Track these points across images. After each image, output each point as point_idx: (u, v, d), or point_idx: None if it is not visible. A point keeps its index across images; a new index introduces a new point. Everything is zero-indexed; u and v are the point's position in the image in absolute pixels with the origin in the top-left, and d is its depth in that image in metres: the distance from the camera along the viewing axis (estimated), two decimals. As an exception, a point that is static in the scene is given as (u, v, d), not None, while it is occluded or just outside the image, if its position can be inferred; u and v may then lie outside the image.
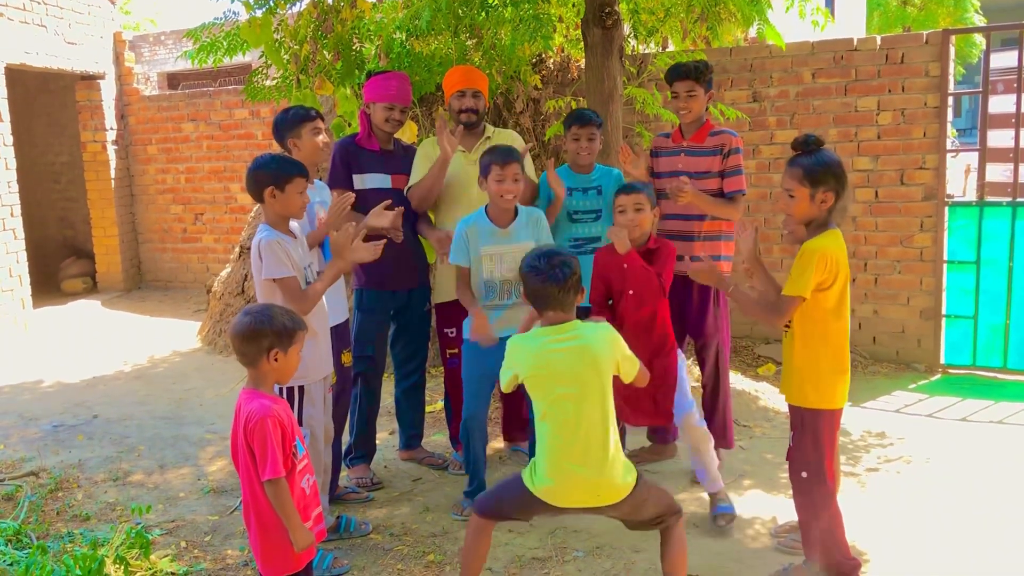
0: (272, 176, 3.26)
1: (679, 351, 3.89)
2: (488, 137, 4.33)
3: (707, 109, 4.29)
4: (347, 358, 3.92)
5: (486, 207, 3.88)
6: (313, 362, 3.34)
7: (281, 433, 2.56)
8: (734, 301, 3.27)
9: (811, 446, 3.12)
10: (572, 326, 2.85)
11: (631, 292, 3.73)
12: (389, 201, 3.88)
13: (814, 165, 3.04)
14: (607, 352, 2.84)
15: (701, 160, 4.17)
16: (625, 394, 3.53)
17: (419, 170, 4.24)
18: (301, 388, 3.31)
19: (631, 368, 2.93)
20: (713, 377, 4.26)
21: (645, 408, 3.71)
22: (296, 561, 2.64)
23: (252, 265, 3.38)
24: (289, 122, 3.79)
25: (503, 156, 3.76)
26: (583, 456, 2.78)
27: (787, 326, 3.16)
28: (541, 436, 2.85)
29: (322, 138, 3.83)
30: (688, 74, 4.12)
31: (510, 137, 4.40)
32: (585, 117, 4.22)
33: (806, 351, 3.09)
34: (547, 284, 2.81)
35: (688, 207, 4.10)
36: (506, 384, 2.92)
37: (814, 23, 5.76)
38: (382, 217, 3.79)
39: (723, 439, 4.31)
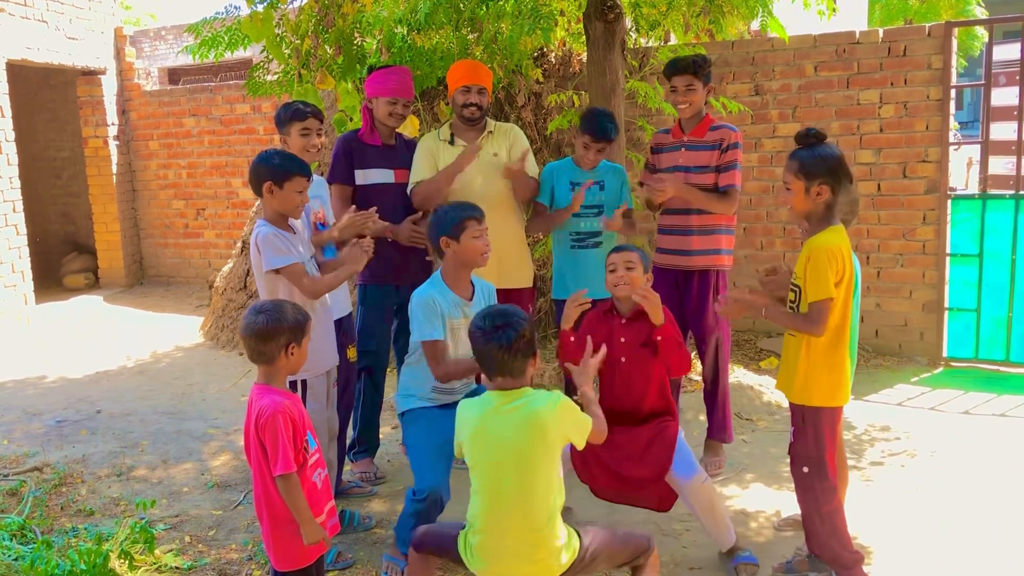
0: (271, 172, 3.26)
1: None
2: (490, 131, 4.32)
3: (706, 103, 4.27)
4: (352, 353, 3.92)
5: (440, 276, 3.42)
6: (315, 355, 3.34)
7: (292, 428, 2.59)
8: (772, 320, 3.15)
9: (812, 441, 3.11)
10: (521, 393, 2.62)
11: (623, 360, 3.36)
12: (374, 210, 3.72)
13: (809, 158, 3.01)
14: (555, 424, 2.60)
15: (701, 154, 4.17)
16: (617, 483, 3.30)
17: (419, 165, 4.23)
18: (304, 382, 3.32)
19: (581, 435, 2.68)
20: (713, 371, 4.27)
21: (640, 490, 3.32)
22: (307, 554, 2.66)
23: (252, 261, 3.38)
24: (283, 118, 3.84)
25: (478, 210, 3.43)
26: (516, 540, 2.58)
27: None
28: (475, 508, 2.64)
29: (313, 140, 3.82)
30: (686, 68, 4.11)
31: (511, 131, 4.39)
32: (606, 134, 4.10)
33: (811, 349, 3.07)
34: (491, 346, 2.60)
35: (686, 201, 4.10)
36: (456, 449, 2.73)
37: (819, 12, 5.75)
38: (359, 260, 3.47)
39: (722, 432, 4.32)
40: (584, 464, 3.27)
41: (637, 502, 3.35)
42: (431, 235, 3.43)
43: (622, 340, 3.36)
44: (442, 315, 3.31)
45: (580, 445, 2.71)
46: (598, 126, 4.11)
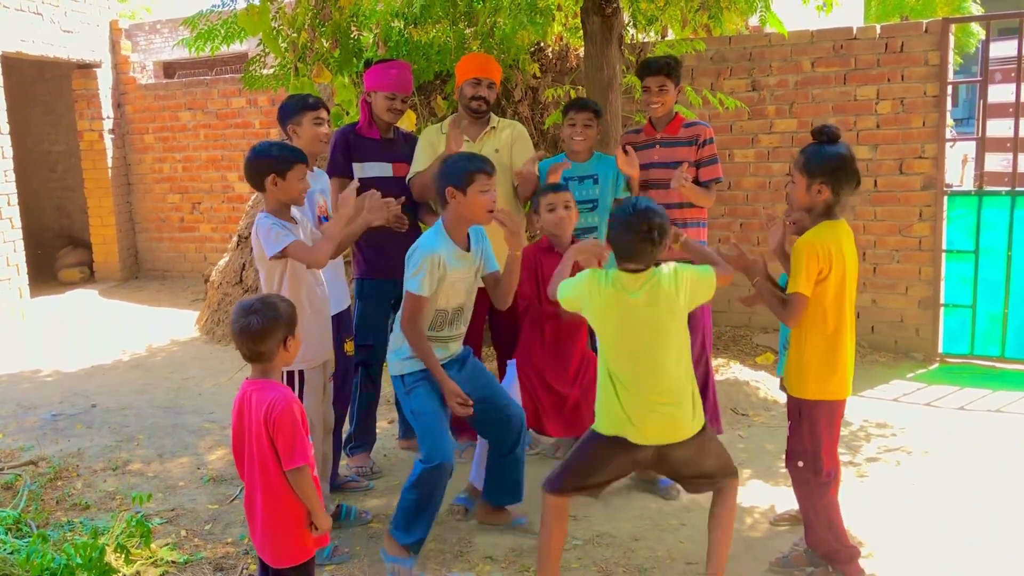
0: (273, 163, 3.25)
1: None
2: (493, 127, 4.32)
3: (676, 102, 4.36)
4: (349, 347, 3.92)
5: (442, 226, 3.34)
6: (312, 345, 3.35)
7: (302, 421, 2.59)
8: (758, 291, 3.19)
9: (808, 436, 3.12)
10: (649, 273, 2.86)
11: None
12: (378, 193, 3.60)
13: (815, 156, 3.03)
14: (683, 293, 2.87)
15: (678, 151, 4.24)
16: (548, 406, 3.71)
17: (421, 158, 4.23)
18: (301, 374, 3.31)
19: (707, 287, 2.94)
20: (700, 361, 4.27)
21: (568, 418, 3.74)
22: (308, 549, 2.66)
23: (254, 252, 3.37)
24: (292, 108, 3.81)
25: (488, 163, 3.34)
26: (660, 391, 2.84)
27: None
28: (615, 378, 2.86)
29: (325, 129, 3.83)
30: (660, 69, 4.21)
31: (514, 127, 4.38)
32: (582, 103, 4.26)
33: (804, 342, 3.09)
34: (635, 237, 2.81)
35: (668, 195, 4.16)
36: (565, 301, 2.97)
37: (818, 8, 5.76)
38: (378, 213, 3.48)
39: (715, 422, 4.34)
40: (536, 418, 3.70)
41: (566, 430, 3.80)
42: (437, 184, 3.32)
43: None
44: (443, 272, 3.26)
45: (708, 297, 2.98)
46: (575, 101, 4.29)
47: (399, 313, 3.41)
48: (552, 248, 3.80)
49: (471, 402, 3.31)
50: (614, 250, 2.89)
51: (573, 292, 2.96)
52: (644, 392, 2.84)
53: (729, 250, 3.23)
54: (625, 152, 4.14)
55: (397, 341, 3.42)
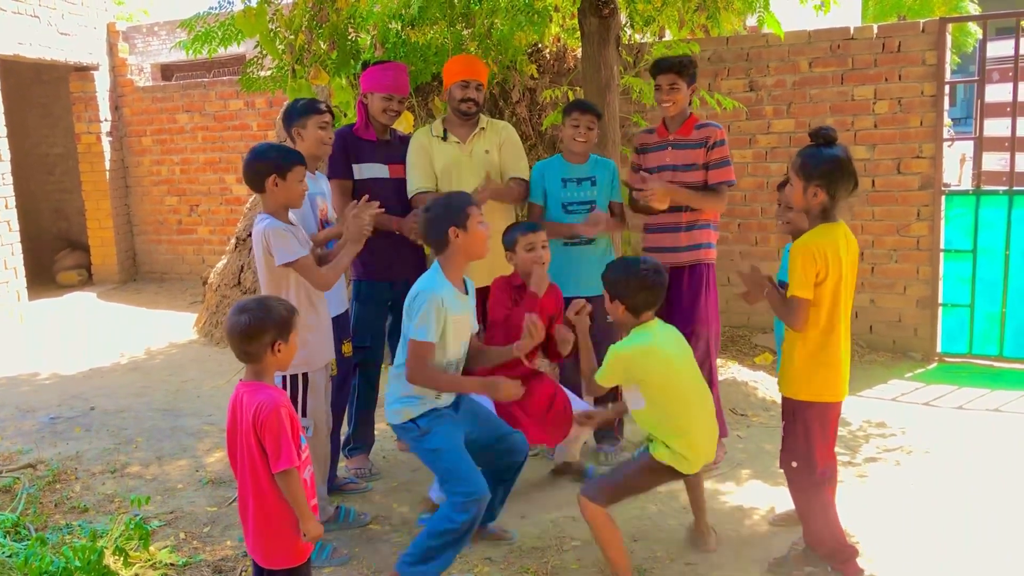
0: (273, 165, 3.26)
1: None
2: (483, 128, 4.31)
3: (690, 103, 4.31)
4: (348, 348, 3.92)
5: (441, 269, 3.25)
6: (316, 348, 3.35)
7: (291, 424, 2.57)
8: (769, 301, 3.18)
9: (801, 436, 3.12)
10: (656, 320, 3.23)
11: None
12: (376, 204, 3.53)
13: (811, 159, 3.02)
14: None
15: (689, 153, 4.21)
16: (525, 419, 3.76)
17: (414, 166, 4.22)
18: (305, 376, 3.31)
19: None
20: (704, 364, 4.26)
21: (548, 424, 3.83)
22: (299, 553, 2.64)
23: (255, 255, 3.37)
24: (300, 111, 3.82)
25: (473, 200, 3.33)
26: (706, 423, 3.23)
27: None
28: (666, 416, 3.12)
29: (330, 133, 3.84)
30: (671, 68, 4.17)
31: (504, 129, 4.39)
32: (586, 105, 4.26)
33: (798, 344, 3.09)
34: (656, 288, 3.15)
35: (675, 200, 4.13)
36: (610, 380, 3.21)
37: (816, 7, 5.76)
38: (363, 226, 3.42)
39: (722, 427, 4.33)
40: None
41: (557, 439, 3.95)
42: (435, 228, 3.24)
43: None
44: (446, 316, 3.17)
45: None
46: (579, 103, 4.28)
47: (394, 364, 3.32)
48: (523, 285, 3.81)
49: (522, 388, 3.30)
50: (633, 307, 3.15)
51: (618, 371, 3.17)
52: (697, 428, 3.16)
53: (747, 269, 3.30)
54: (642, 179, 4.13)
55: (394, 391, 3.31)
